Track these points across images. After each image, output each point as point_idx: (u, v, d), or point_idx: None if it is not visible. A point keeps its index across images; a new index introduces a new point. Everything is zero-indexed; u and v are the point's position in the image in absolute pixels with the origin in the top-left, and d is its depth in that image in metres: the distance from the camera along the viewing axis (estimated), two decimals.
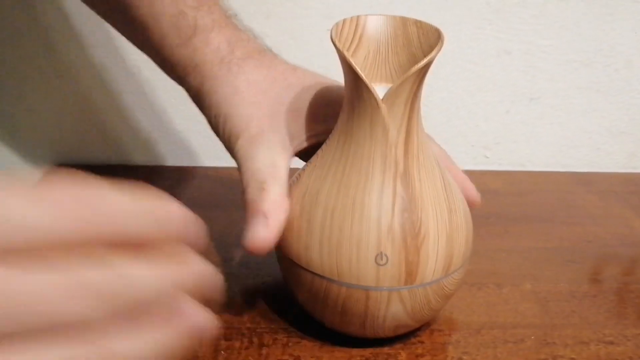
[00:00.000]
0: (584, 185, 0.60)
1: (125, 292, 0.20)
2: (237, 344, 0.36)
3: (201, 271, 0.22)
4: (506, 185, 0.59)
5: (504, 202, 0.55)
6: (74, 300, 0.18)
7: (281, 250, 0.35)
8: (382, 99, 0.30)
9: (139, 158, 0.61)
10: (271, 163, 0.34)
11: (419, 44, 0.34)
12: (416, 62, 0.30)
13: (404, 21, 0.34)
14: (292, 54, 0.58)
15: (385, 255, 0.31)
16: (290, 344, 0.36)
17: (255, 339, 0.36)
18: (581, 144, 0.64)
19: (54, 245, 0.18)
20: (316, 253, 0.32)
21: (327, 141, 0.34)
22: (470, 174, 0.36)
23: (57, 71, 0.58)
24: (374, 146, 0.31)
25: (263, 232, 0.32)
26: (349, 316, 0.33)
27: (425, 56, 0.30)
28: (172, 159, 0.62)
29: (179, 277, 0.21)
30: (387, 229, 0.31)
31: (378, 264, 0.31)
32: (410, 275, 0.31)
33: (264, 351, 0.35)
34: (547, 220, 0.52)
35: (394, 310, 0.32)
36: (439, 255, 0.32)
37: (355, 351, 0.35)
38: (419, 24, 0.34)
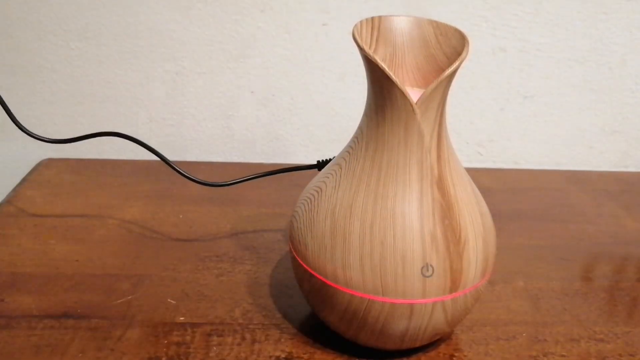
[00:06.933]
0: (576, 184, 0.60)
1: None
2: (229, 340, 0.36)
3: None
4: (499, 183, 0.59)
5: (497, 200, 0.55)
6: None
7: (310, 272, 0.33)
8: (417, 104, 0.29)
9: (129, 154, 0.61)
10: None
11: (438, 45, 0.32)
12: (436, 63, 0.29)
13: (418, 22, 0.33)
14: (287, 48, 0.58)
15: (431, 266, 0.30)
16: (282, 339, 0.36)
17: (247, 335, 0.36)
18: (574, 142, 0.64)
19: None
20: (356, 271, 0.30)
21: (350, 150, 0.33)
22: None
23: (51, 62, 0.57)
24: (410, 153, 0.30)
25: None
26: (388, 332, 0.32)
27: (447, 57, 0.29)
28: (166, 154, 0.61)
29: None
30: (430, 238, 0.30)
31: (424, 276, 0.30)
32: (454, 283, 0.31)
33: (256, 347, 0.35)
34: (539, 218, 0.53)
35: (435, 321, 0.31)
36: (478, 260, 0.31)
37: (347, 346, 0.35)
38: (434, 24, 0.33)
